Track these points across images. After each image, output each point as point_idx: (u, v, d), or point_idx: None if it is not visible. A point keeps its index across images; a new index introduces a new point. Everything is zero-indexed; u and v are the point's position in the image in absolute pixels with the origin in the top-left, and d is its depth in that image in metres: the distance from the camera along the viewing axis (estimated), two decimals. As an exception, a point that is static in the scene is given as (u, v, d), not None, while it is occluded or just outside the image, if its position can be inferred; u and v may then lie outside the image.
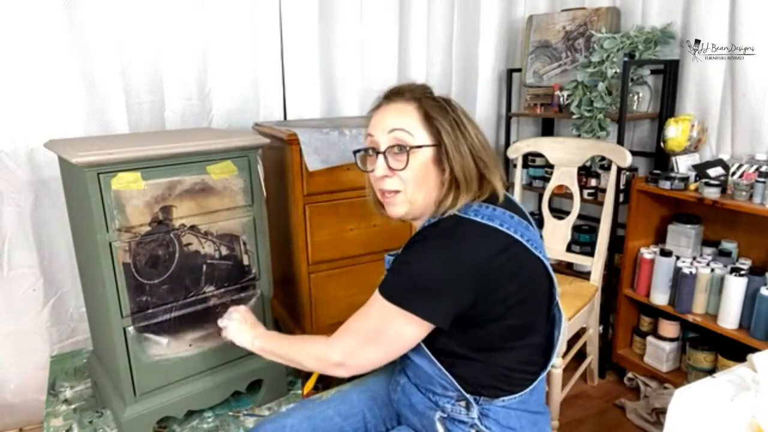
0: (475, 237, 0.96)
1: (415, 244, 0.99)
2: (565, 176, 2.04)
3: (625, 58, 2.09)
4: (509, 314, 0.98)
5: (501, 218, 0.98)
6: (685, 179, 1.94)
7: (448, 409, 1.04)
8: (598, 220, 2.08)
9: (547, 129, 2.75)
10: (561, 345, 1.72)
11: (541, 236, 2.10)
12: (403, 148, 1.00)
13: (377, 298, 0.99)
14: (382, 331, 1.00)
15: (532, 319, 1.02)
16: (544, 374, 1.07)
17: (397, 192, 1.03)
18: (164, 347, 1.49)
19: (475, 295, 0.94)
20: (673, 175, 1.96)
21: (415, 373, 1.09)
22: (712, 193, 1.83)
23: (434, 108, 1.02)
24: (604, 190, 2.14)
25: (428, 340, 1.00)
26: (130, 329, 1.43)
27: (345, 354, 1.04)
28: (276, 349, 1.18)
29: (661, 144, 2.08)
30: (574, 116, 2.24)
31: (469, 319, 0.96)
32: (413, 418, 1.12)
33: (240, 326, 1.26)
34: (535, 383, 1.05)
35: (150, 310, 1.45)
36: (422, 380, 1.08)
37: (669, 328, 2.09)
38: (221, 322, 1.29)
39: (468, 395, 1.02)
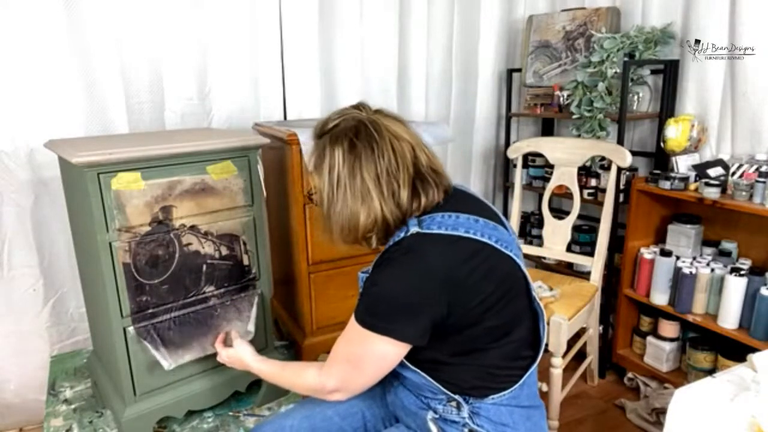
0: (440, 249, 0.95)
1: (382, 266, 0.99)
2: (565, 176, 2.04)
3: (625, 58, 2.09)
4: (487, 316, 0.97)
5: (466, 225, 0.98)
6: (685, 179, 1.94)
7: (440, 410, 1.05)
8: (598, 220, 2.08)
9: (547, 129, 2.75)
10: (560, 345, 1.73)
11: (544, 236, 2.11)
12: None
13: (354, 323, 0.99)
14: (365, 356, 1.01)
15: (512, 316, 1.02)
16: (533, 368, 1.06)
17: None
18: (166, 361, 1.49)
19: (448, 306, 0.94)
20: (673, 175, 1.96)
21: (405, 381, 1.09)
22: (712, 193, 1.83)
23: (319, 152, 1.03)
24: (604, 190, 2.14)
25: (410, 353, 1.00)
26: (130, 329, 1.43)
27: (338, 382, 1.06)
28: (275, 376, 1.21)
29: (661, 144, 2.08)
30: (574, 116, 2.24)
31: (447, 327, 0.97)
32: (407, 419, 1.13)
33: (243, 347, 1.32)
34: (525, 378, 1.04)
35: (150, 310, 1.45)
36: (412, 387, 1.09)
37: (669, 328, 2.09)
38: (223, 349, 1.38)
39: (457, 396, 1.02)
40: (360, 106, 1.04)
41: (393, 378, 1.14)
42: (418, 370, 1.03)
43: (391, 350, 0.98)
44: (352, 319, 1.00)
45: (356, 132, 0.99)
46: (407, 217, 0.99)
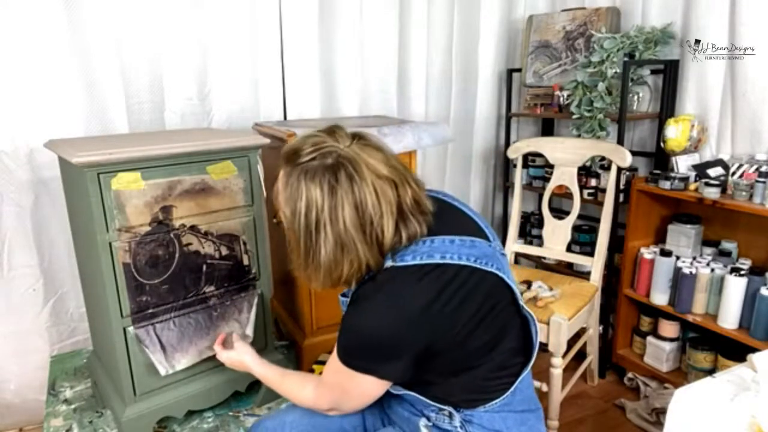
0: (414, 284, 0.92)
1: (356, 304, 0.96)
2: (565, 176, 2.04)
3: (625, 58, 2.09)
4: (471, 338, 0.96)
5: (441, 249, 0.94)
6: (685, 179, 1.94)
7: (432, 417, 1.05)
8: (598, 220, 2.08)
9: (547, 129, 2.75)
10: (560, 345, 1.73)
11: (544, 236, 2.10)
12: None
13: (335, 359, 0.99)
14: (351, 388, 1.02)
15: (498, 330, 1.00)
16: (524, 373, 1.05)
17: None
18: (163, 364, 1.49)
19: (428, 340, 0.94)
20: (673, 175, 1.96)
21: (398, 394, 1.10)
22: (712, 193, 1.83)
23: (292, 185, 0.93)
24: (604, 190, 2.14)
25: None
26: (130, 329, 1.43)
27: (331, 404, 1.08)
28: (276, 384, 1.21)
29: (661, 144, 2.08)
30: (574, 116, 2.24)
31: (431, 356, 0.96)
32: (401, 423, 1.13)
33: (244, 349, 1.32)
34: (516, 383, 1.03)
35: (150, 310, 1.45)
36: (406, 399, 1.09)
37: (669, 328, 2.09)
38: (223, 351, 1.36)
39: (448, 407, 1.02)
40: (336, 134, 0.95)
41: None
42: (408, 391, 1.03)
43: (375, 386, 0.99)
44: (335, 353, 1.00)
45: (335, 172, 0.90)
46: (386, 254, 0.95)
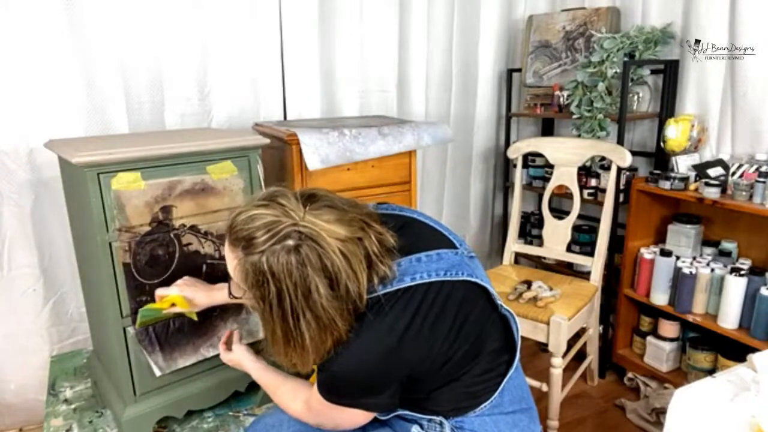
0: (385, 317, 0.91)
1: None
2: (565, 176, 2.05)
3: (625, 58, 2.09)
4: (452, 350, 0.96)
5: (410, 271, 0.94)
6: (685, 179, 1.94)
7: (425, 425, 1.05)
8: (598, 220, 2.08)
9: (547, 129, 2.75)
10: (560, 345, 1.73)
11: (544, 236, 2.10)
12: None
13: (317, 393, 0.99)
14: (335, 417, 1.01)
15: (477, 335, 1.00)
16: (511, 372, 1.05)
17: None
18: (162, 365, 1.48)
19: (408, 369, 0.94)
20: (673, 175, 1.96)
21: None
22: (712, 193, 1.83)
23: (254, 272, 0.87)
24: (604, 190, 2.14)
25: None
26: (130, 329, 1.43)
27: (317, 425, 1.06)
28: (270, 392, 1.19)
29: (661, 144, 2.08)
30: (574, 116, 2.24)
31: (414, 380, 0.96)
32: (396, 426, 1.13)
33: (240, 352, 1.31)
34: (503, 383, 1.03)
35: (150, 310, 1.45)
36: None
37: (669, 328, 2.09)
38: (225, 352, 1.34)
39: (438, 416, 1.03)
40: (284, 206, 0.88)
41: None
42: (397, 409, 1.04)
43: (360, 416, 0.99)
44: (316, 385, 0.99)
45: (299, 251, 0.84)
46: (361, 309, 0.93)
